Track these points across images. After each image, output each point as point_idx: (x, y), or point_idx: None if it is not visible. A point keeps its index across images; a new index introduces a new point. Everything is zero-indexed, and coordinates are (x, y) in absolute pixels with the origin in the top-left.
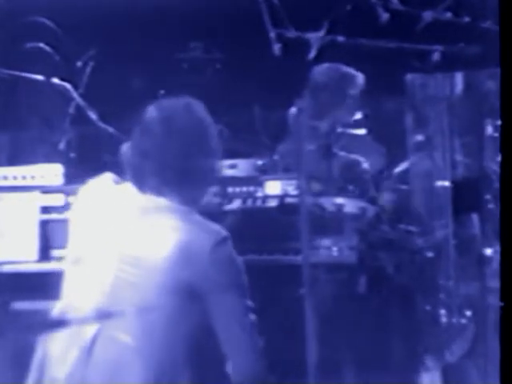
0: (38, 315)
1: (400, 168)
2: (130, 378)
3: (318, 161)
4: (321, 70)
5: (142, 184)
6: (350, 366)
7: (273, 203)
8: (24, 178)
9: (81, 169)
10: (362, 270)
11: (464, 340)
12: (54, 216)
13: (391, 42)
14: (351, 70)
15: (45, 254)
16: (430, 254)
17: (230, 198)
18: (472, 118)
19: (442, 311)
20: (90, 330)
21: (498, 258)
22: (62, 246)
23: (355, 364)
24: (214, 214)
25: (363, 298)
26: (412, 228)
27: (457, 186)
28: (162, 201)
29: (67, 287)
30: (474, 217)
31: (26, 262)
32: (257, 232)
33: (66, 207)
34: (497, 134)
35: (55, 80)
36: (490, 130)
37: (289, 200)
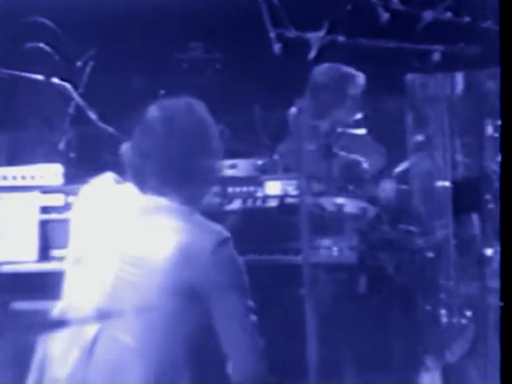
0: (38, 315)
1: (400, 168)
2: (130, 379)
3: (318, 161)
4: (321, 70)
5: (142, 184)
6: (350, 366)
7: (273, 203)
8: (24, 177)
9: (80, 169)
10: (362, 270)
11: (464, 340)
12: (53, 216)
13: (391, 42)
14: (352, 70)
15: (44, 254)
16: (430, 254)
17: (230, 198)
18: (472, 118)
19: (443, 311)
20: (91, 330)
21: (498, 258)
22: (62, 246)
23: (355, 364)
24: (214, 214)
25: (363, 298)
26: (412, 228)
27: (457, 186)
28: (162, 201)
29: (68, 287)
30: (475, 217)
31: (26, 262)
32: (257, 232)
33: (65, 207)
34: (497, 134)
35: (55, 80)
36: (490, 130)
37: (289, 200)
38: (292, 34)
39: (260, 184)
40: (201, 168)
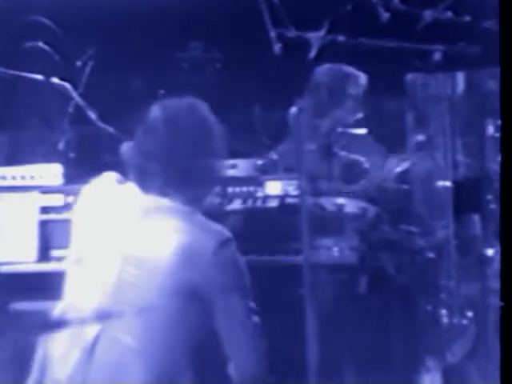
0: (38, 315)
1: (401, 168)
2: (131, 379)
3: (318, 161)
4: (323, 70)
5: (145, 184)
6: (350, 366)
7: (273, 203)
8: (23, 178)
9: (80, 169)
10: (362, 270)
11: (465, 341)
12: (53, 216)
13: (392, 42)
14: (353, 70)
15: (44, 254)
16: (430, 255)
17: (230, 198)
18: (473, 118)
19: (443, 312)
20: (92, 330)
21: (499, 258)
22: (62, 247)
23: (356, 364)
24: (214, 215)
25: (364, 298)
26: (413, 228)
27: (458, 186)
28: (164, 201)
29: (69, 287)
30: (476, 217)
31: (25, 262)
32: (257, 232)
33: (65, 207)
34: (498, 134)
35: (54, 79)
36: (491, 129)
37: (289, 200)
38: (292, 33)
39: (260, 184)
40: (204, 168)
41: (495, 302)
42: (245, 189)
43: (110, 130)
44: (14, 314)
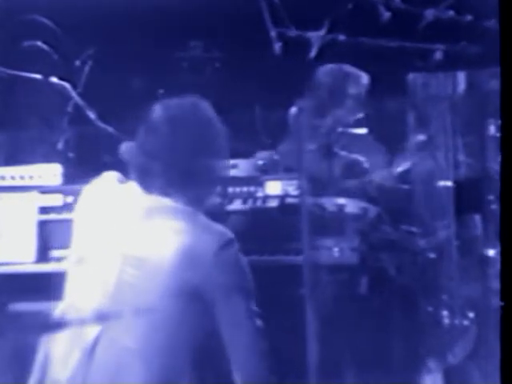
0: (37, 316)
1: (402, 168)
2: (131, 380)
3: (318, 161)
4: (325, 70)
5: (147, 184)
6: (351, 367)
7: (273, 203)
8: (22, 178)
9: (79, 169)
10: (363, 270)
11: (466, 341)
12: (52, 216)
13: (393, 41)
14: (355, 70)
15: (43, 254)
16: (431, 255)
17: (230, 199)
18: (474, 118)
19: (444, 312)
20: (92, 331)
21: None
22: (61, 247)
23: (356, 365)
24: (214, 215)
25: (364, 298)
26: (414, 229)
27: (459, 186)
28: (166, 201)
29: (69, 288)
30: (477, 217)
31: (24, 262)
32: (257, 232)
33: (64, 207)
34: (499, 134)
35: (54, 79)
36: (492, 129)
37: (289, 200)
38: (292, 33)
39: (260, 184)
40: (206, 168)
41: (496, 302)
42: (245, 189)
43: (110, 129)
44: (12, 314)
